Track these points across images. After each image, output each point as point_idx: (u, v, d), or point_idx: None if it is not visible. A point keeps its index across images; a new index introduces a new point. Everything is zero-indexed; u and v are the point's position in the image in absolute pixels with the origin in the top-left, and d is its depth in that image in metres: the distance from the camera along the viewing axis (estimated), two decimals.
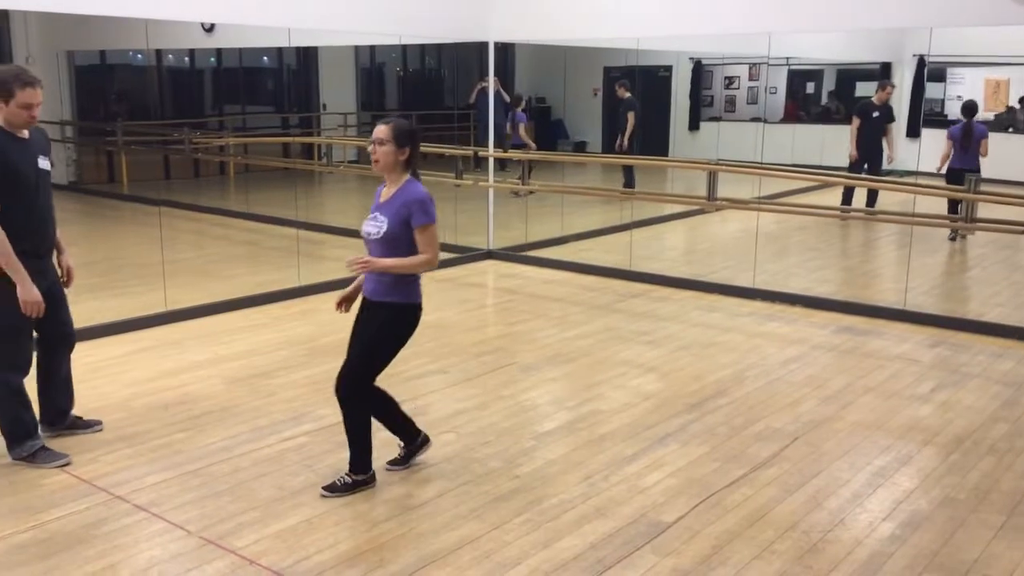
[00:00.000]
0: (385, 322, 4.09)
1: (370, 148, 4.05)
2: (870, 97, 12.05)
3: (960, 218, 8.05)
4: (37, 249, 4.30)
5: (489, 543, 3.69)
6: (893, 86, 12.37)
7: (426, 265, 4.01)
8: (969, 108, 10.49)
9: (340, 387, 4.16)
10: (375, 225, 4.04)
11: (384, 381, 5.57)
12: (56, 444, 4.54)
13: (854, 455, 4.61)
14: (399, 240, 3.99)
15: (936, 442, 4.80)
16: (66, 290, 4.63)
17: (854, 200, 11.70)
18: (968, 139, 10.21)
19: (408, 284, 4.08)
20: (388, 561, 3.54)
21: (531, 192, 12.03)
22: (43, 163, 4.33)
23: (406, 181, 4.07)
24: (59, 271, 4.59)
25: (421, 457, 4.47)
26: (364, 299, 4.17)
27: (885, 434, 4.89)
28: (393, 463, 4.42)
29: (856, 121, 11.77)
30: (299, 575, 3.45)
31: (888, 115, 12.03)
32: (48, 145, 4.46)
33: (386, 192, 4.11)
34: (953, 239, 10.40)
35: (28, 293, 4.16)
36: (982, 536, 3.80)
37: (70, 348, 4.67)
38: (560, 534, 3.78)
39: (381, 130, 4.02)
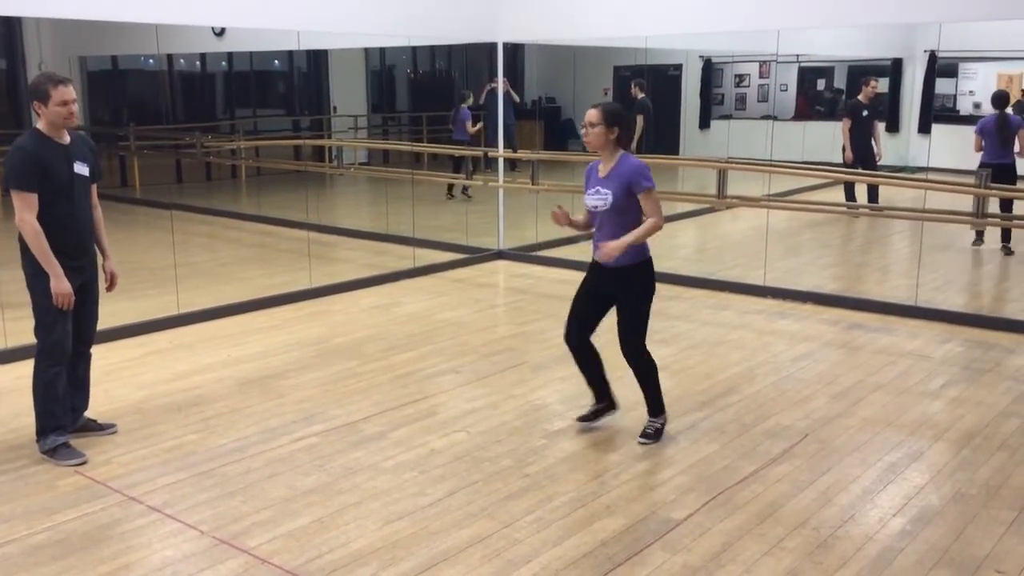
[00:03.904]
0: (634, 283, 4.58)
1: (582, 131, 4.53)
2: (858, 96, 11.97)
3: (972, 214, 8.03)
4: (73, 248, 4.49)
5: (500, 541, 3.71)
6: (877, 82, 12.27)
7: (655, 229, 4.44)
8: (1000, 98, 9.55)
9: (625, 354, 4.68)
10: (600, 198, 4.48)
11: (400, 380, 5.66)
12: (72, 444, 4.58)
13: (865, 451, 4.61)
14: (626, 207, 4.46)
15: (947, 438, 4.79)
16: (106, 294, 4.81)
17: (856, 198, 11.63)
18: (1005, 131, 9.28)
19: (638, 245, 4.50)
20: (399, 559, 3.57)
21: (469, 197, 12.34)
22: (79, 168, 4.49)
23: (621, 156, 4.51)
24: (104, 275, 4.76)
25: (602, 422, 4.94)
26: (602, 266, 4.57)
27: (896, 430, 4.89)
28: (582, 418, 4.92)
29: (848, 122, 11.66)
30: (311, 574, 3.47)
31: (875, 112, 11.97)
32: (88, 152, 4.61)
33: (603, 168, 4.55)
34: (979, 244, 9.75)
35: (59, 285, 4.36)
36: (993, 531, 3.79)
37: (87, 345, 4.75)
38: (571, 532, 3.79)
39: (592, 114, 4.47)
